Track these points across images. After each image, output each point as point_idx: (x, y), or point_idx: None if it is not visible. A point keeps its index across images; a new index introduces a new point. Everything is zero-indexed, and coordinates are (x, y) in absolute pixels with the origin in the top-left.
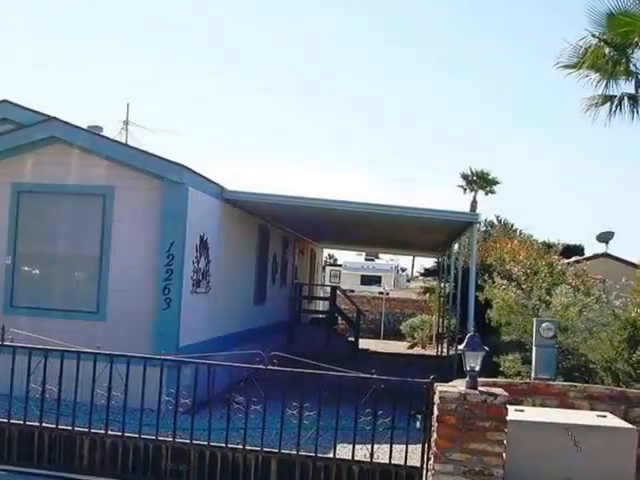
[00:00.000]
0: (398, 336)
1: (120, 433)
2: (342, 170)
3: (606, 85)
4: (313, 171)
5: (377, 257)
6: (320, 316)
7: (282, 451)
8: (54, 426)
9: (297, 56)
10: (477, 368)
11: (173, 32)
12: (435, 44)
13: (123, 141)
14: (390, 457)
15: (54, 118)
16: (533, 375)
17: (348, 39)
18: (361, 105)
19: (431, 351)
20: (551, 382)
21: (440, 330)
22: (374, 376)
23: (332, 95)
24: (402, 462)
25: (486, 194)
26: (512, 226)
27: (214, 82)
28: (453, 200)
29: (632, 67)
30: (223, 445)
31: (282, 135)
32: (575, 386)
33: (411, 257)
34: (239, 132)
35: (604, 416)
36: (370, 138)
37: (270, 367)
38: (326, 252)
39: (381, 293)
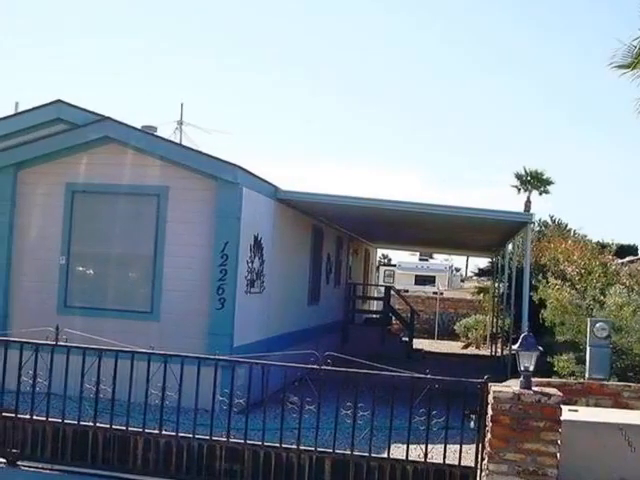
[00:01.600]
0: (452, 336)
1: (174, 433)
2: (394, 170)
3: None
4: (364, 171)
5: (431, 257)
6: (374, 316)
7: (336, 451)
8: (108, 426)
9: (348, 56)
10: (531, 368)
11: (226, 32)
12: (488, 44)
13: (177, 141)
14: (444, 457)
15: (108, 118)
16: (587, 375)
17: (400, 39)
18: (412, 105)
19: (485, 351)
20: (605, 382)
21: (494, 330)
22: (428, 376)
23: (383, 95)
24: (456, 462)
25: (540, 194)
26: (566, 226)
27: (266, 82)
28: (506, 200)
29: None
30: (277, 445)
31: (333, 135)
32: (629, 386)
33: (465, 257)
34: (290, 132)
35: None
36: (422, 138)
37: (324, 367)
38: (380, 252)
39: (435, 293)
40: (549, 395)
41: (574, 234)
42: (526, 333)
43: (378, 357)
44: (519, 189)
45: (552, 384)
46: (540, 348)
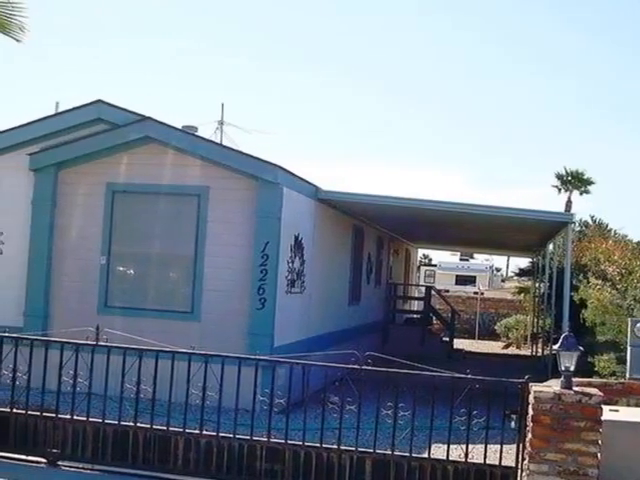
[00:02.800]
0: (493, 336)
1: (215, 433)
2: (436, 170)
3: None
4: (406, 171)
5: (472, 257)
6: (415, 316)
7: (377, 451)
8: (149, 426)
9: (389, 56)
10: (572, 368)
11: (266, 32)
12: (528, 44)
13: (218, 141)
14: (485, 457)
15: (149, 118)
16: (628, 375)
17: (441, 38)
18: (455, 105)
19: (526, 351)
20: None
21: (535, 330)
22: (469, 376)
23: (424, 95)
24: (497, 462)
25: (581, 194)
26: (606, 226)
27: (306, 82)
28: (546, 200)
29: None
30: (318, 445)
31: (375, 135)
32: None
33: (506, 257)
34: (332, 132)
35: None
36: (464, 138)
37: (365, 367)
38: (421, 252)
39: (476, 293)
40: (590, 395)
41: (615, 234)
42: (567, 333)
43: (418, 357)
44: (560, 189)
45: (593, 384)
46: (581, 348)
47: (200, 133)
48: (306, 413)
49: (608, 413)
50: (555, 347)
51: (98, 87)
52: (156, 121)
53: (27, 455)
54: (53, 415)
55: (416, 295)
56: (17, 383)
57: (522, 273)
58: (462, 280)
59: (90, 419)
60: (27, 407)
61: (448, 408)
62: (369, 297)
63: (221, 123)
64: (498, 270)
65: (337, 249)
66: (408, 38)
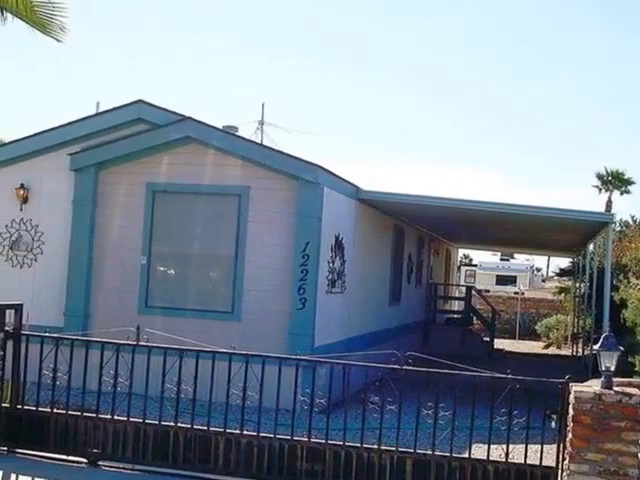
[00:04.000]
0: (533, 336)
1: (255, 433)
2: (476, 170)
3: None
4: (446, 171)
5: (512, 257)
6: (455, 316)
7: (417, 451)
8: (189, 426)
9: (428, 56)
10: (612, 368)
11: (307, 32)
12: (566, 44)
13: (258, 141)
14: (525, 457)
15: (189, 118)
16: None
17: (480, 39)
18: (491, 105)
19: (566, 351)
20: None
21: (575, 330)
22: (509, 376)
23: (463, 95)
24: (537, 462)
25: (621, 194)
26: None
27: (346, 82)
28: (587, 200)
29: None
30: (358, 445)
31: (415, 135)
32: None
33: (546, 257)
34: (372, 132)
35: None
36: (500, 138)
37: (405, 367)
38: (461, 252)
39: (516, 293)
40: (630, 395)
41: None
42: (607, 333)
43: (459, 357)
44: (600, 189)
45: (633, 384)
46: (621, 348)
47: (240, 133)
48: (347, 413)
49: None
50: (595, 347)
51: (138, 87)
52: (197, 121)
53: (68, 455)
54: (94, 415)
55: (457, 295)
56: (57, 383)
57: (562, 273)
58: (503, 280)
59: (131, 419)
60: (68, 407)
61: (488, 408)
62: (409, 297)
63: (261, 123)
64: (538, 270)
65: (378, 249)
66: (448, 39)
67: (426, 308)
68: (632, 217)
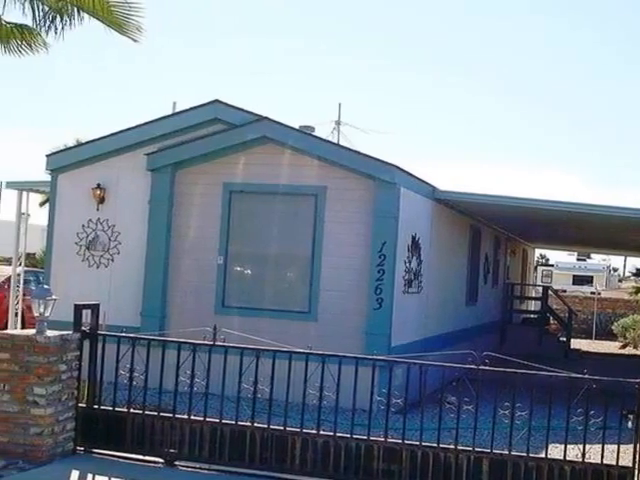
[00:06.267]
0: (610, 336)
1: (332, 433)
2: (554, 170)
3: None
4: (523, 171)
5: (589, 257)
6: (532, 316)
7: (494, 451)
8: (266, 426)
9: (506, 56)
10: None
11: (384, 32)
12: None
13: (335, 141)
14: (602, 457)
15: (266, 118)
16: None
17: (558, 39)
18: (570, 105)
19: None
20: None
21: None
22: (586, 376)
23: (540, 95)
24: (614, 462)
25: None
26: None
27: (423, 82)
28: None
29: None
30: (435, 445)
31: (492, 135)
32: None
33: (623, 257)
34: (449, 132)
35: None
36: (579, 138)
37: (482, 367)
38: (538, 252)
39: (593, 293)
40: None
41: None
42: None
43: (536, 357)
44: None
45: None
46: None
47: (317, 133)
48: (423, 413)
49: None
50: None
51: (215, 87)
52: (273, 121)
53: (144, 455)
54: (170, 415)
55: (533, 295)
56: (134, 383)
57: (639, 273)
58: (579, 280)
59: (207, 419)
60: (144, 407)
61: (565, 408)
62: (486, 297)
63: (338, 123)
64: (615, 270)
65: (454, 249)
66: (525, 38)
67: (503, 308)
68: None
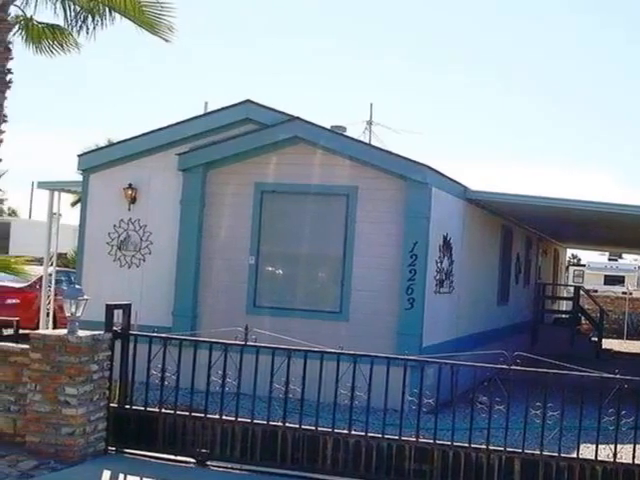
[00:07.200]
0: None
1: (363, 433)
2: (583, 170)
3: None
4: (555, 171)
5: (620, 257)
6: (563, 316)
7: (525, 451)
8: (297, 426)
9: (539, 56)
10: None
11: (415, 32)
12: None
13: (366, 141)
14: (633, 457)
15: (297, 118)
16: None
17: (589, 39)
18: (602, 105)
19: None
20: None
21: None
22: (617, 376)
23: (572, 95)
24: None
25: None
26: None
27: (455, 82)
28: None
29: None
30: (466, 445)
31: (523, 136)
32: None
33: None
34: (480, 133)
35: None
36: (611, 138)
37: (513, 367)
38: (569, 252)
39: (624, 293)
40: None
41: None
42: None
43: (567, 357)
44: None
45: None
46: None
47: (349, 133)
48: (455, 413)
49: None
50: None
51: (246, 87)
52: (305, 121)
53: (176, 455)
54: (202, 415)
55: (565, 295)
56: (165, 383)
57: None
58: (611, 280)
59: (239, 419)
60: (176, 407)
61: (596, 408)
62: (518, 297)
63: (370, 123)
64: None
65: (485, 249)
66: (559, 39)
67: (534, 308)
68: None
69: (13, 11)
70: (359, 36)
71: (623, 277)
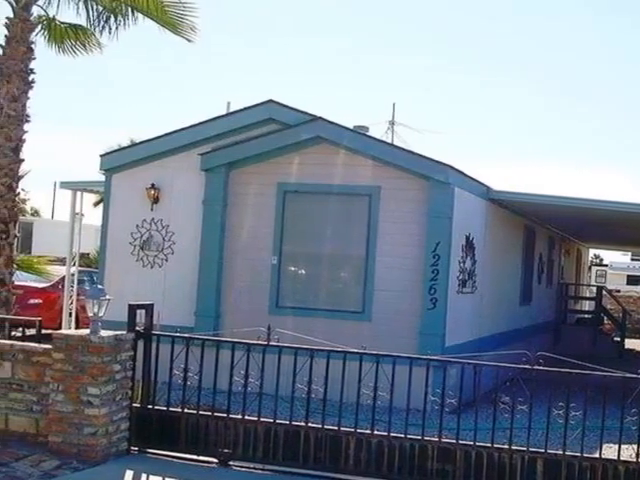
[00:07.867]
0: None
1: (386, 433)
2: (605, 169)
3: None
4: (577, 171)
5: None
6: (586, 316)
7: (548, 451)
8: (320, 426)
9: (558, 56)
10: None
11: (436, 32)
12: None
13: (389, 141)
14: None
15: (320, 118)
16: None
17: (608, 38)
18: (623, 105)
19: None
20: None
21: None
22: None
23: (592, 95)
24: None
25: None
26: None
27: (475, 82)
28: None
29: None
30: (489, 445)
31: (546, 135)
32: None
33: None
34: (503, 132)
35: None
36: (627, 139)
37: (536, 367)
38: (592, 252)
39: None
40: None
41: None
42: None
43: (590, 357)
44: None
45: None
46: None
47: (371, 133)
48: (477, 413)
49: None
50: None
51: (268, 87)
52: (327, 121)
53: (198, 455)
54: (224, 415)
55: (587, 295)
56: (188, 383)
57: None
58: (633, 280)
59: (261, 419)
60: (198, 407)
61: (619, 408)
62: (540, 297)
63: (392, 123)
64: None
65: (508, 249)
66: (578, 38)
67: (557, 308)
68: None
69: (35, 11)
70: (381, 36)
71: None
